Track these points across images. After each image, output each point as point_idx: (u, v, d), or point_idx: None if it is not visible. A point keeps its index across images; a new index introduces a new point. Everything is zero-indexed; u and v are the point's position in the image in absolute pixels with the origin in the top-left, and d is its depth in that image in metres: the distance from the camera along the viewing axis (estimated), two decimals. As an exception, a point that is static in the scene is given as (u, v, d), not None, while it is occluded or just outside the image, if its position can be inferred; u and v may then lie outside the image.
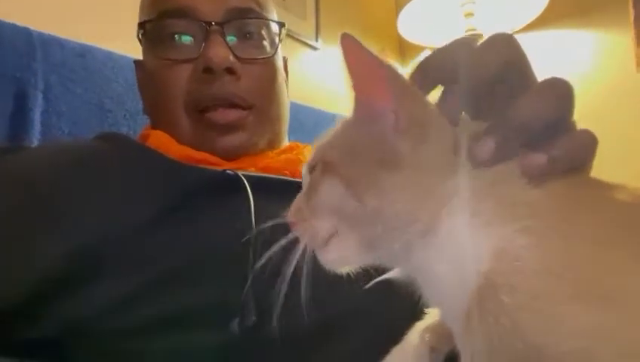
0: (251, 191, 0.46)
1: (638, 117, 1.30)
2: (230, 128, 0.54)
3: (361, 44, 0.26)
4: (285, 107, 0.60)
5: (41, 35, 0.67)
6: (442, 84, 0.27)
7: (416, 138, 0.25)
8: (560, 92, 0.26)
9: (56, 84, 0.65)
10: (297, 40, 1.38)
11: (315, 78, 1.38)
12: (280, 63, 0.60)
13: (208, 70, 0.52)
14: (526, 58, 0.28)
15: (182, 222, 0.44)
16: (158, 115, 0.57)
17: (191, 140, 0.54)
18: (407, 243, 0.25)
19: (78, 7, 0.84)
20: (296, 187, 0.49)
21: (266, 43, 0.57)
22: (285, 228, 0.43)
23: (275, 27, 0.59)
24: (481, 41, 0.28)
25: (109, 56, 0.72)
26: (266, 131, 0.57)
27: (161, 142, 0.54)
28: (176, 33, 0.54)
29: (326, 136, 0.29)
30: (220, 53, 0.52)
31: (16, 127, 0.61)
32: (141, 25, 0.56)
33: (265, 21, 0.58)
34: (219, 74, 0.52)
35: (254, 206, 0.45)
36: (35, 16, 0.72)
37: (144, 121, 0.72)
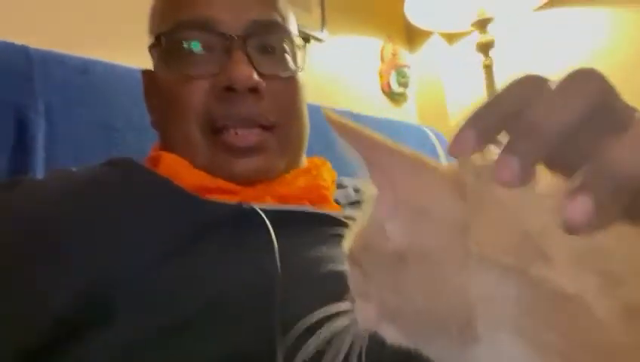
0: (272, 222, 0.43)
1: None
2: (250, 151, 0.50)
3: (346, 123, 0.22)
4: (307, 125, 0.56)
5: (38, 52, 0.63)
6: (508, 132, 0.22)
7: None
8: None
9: (57, 105, 0.61)
10: (303, 32, 1.33)
11: (322, 71, 1.33)
12: (303, 79, 0.56)
13: (230, 89, 0.48)
14: (616, 93, 0.23)
15: (196, 261, 0.41)
16: (170, 132, 0.53)
17: (205, 162, 0.50)
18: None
19: (76, 20, 0.80)
20: (317, 219, 0.46)
21: (288, 57, 0.53)
22: (311, 275, 0.40)
23: (298, 40, 0.55)
24: (556, 79, 0.23)
25: (112, 70, 0.68)
26: (287, 153, 0.53)
27: (174, 168, 0.50)
28: (194, 46, 0.50)
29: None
30: (245, 71, 0.48)
31: (19, 157, 0.57)
32: (157, 37, 0.52)
33: (288, 35, 0.54)
34: (241, 93, 0.48)
35: (277, 236, 0.42)
36: (30, 33, 0.67)
37: (154, 136, 0.68)
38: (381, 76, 1.55)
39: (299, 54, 0.55)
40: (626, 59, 1.34)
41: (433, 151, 1.21)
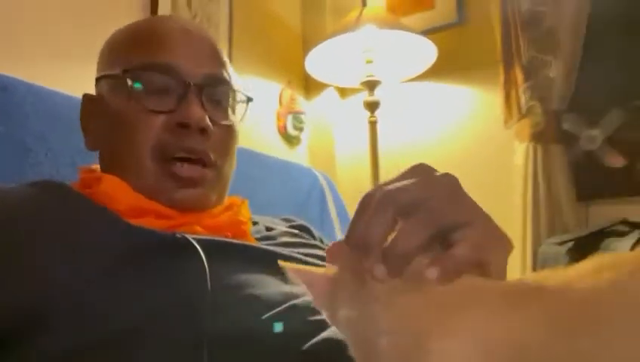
0: (202, 248, 0.50)
1: (502, 167, 1.53)
2: (192, 183, 0.57)
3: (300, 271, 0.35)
4: (234, 167, 0.65)
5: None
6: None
7: None
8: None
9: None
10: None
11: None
12: (237, 128, 0.65)
13: (184, 125, 0.56)
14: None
15: (126, 282, 0.46)
16: (117, 155, 0.58)
17: (149, 185, 0.56)
18: None
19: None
20: (241, 249, 0.54)
21: (229, 110, 0.63)
22: (237, 296, 0.47)
23: (239, 96, 0.65)
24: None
25: (32, 91, 0.69)
26: (219, 189, 0.61)
27: (114, 189, 0.55)
28: (156, 86, 0.57)
29: None
30: (198, 113, 0.56)
31: None
32: (123, 71, 0.57)
33: (232, 91, 0.63)
34: (193, 131, 0.56)
35: (207, 261, 0.48)
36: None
37: (67, 159, 0.70)
38: (278, 118, 1.67)
39: (239, 107, 0.65)
40: (481, 134, 1.62)
41: (321, 191, 1.33)
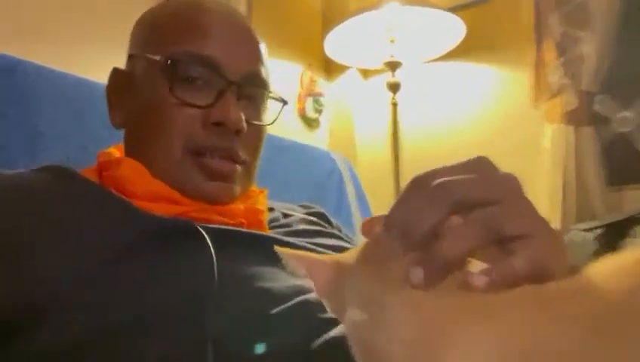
0: (210, 236, 0.48)
1: (530, 150, 1.47)
2: (221, 176, 0.56)
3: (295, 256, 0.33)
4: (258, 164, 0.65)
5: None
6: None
7: None
8: None
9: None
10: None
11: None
12: (267, 127, 0.64)
13: (220, 124, 0.55)
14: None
15: (129, 273, 0.45)
16: (144, 141, 0.57)
17: (175, 175, 0.55)
18: None
19: (7, 18, 0.78)
20: (253, 239, 0.52)
21: (262, 109, 0.62)
22: (245, 289, 0.46)
23: (275, 96, 0.64)
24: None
25: (42, 73, 0.68)
26: (246, 185, 0.61)
27: (132, 173, 0.55)
28: (197, 78, 0.56)
29: None
30: (237, 114, 0.55)
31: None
32: (166, 58, 0.56)
33: (268, 91, 0.62)
34: (229, 131, 0.55)
35: (215, 250, 0.47)
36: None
37: (79, 144, 0.69)
38: (298, 101, 1.64)
39: (270, 108, 0.64)
40: (508, 114, 1.56)
41: (339, 174, 1.31)
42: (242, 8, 1.45)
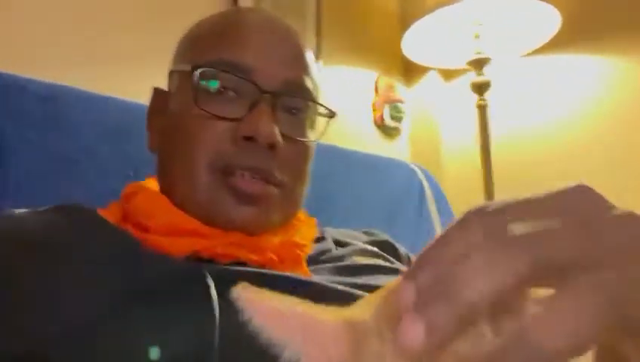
0: (219, 284, 0.41)
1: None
2: (254, 199, 0.49)
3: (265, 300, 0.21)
4: (307, 187, 0.56)
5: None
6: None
7: None
8: None
9: (11, 131, 0.58)
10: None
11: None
12: (314, 145, 0.56)
13: (251, 139, 0.48)
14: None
15: (138, 318, 0.40)
16: (170, 163, 0.53)
17: (202, 201, 0.49)
18: None
19: (45, 44, 0.78)
20: (271, 282, 0.44)
21: (307, 123, 0.54)
22: (252, 346, 0.38)
23: (322, 109, 0.56)
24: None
25: (80, 98, 0.66)
26: (285, 212, 0.53)
27: (149, 204, 0.50)
28: (227, 88, 0.50)
29: None
30: (269, 127, 0.48)
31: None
32: (193, 67, 0.51)
33: (313, 102, 0.55)
34: (260, 146, 0.49)
35: (220, 304, 0.40)
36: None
37: (117, 173, 0.65)
38: (375, 109, 1.54)
39: (319, 122, 0.56)
40: (619, 108, 1.33)
41: (419, 187, 1.18)
42: (310, 16, 1.38)
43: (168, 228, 0.48)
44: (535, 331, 0.15)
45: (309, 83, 0.54)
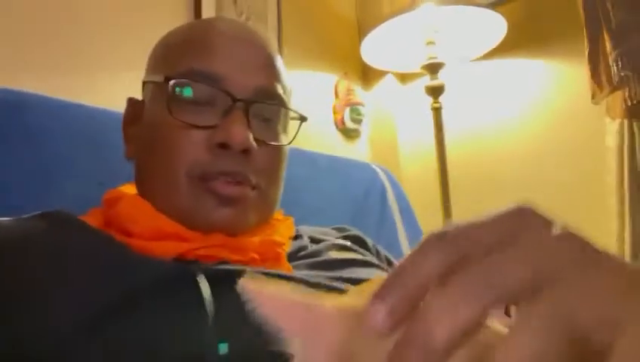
0: (210, 283, 0.43)
1: (592, 149, 1.34)
2: (232, 201, 0.51)
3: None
4: (281, 189, 0.58)
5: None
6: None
7: None
8: None
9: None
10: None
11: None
12: (287, 149, 0.58)
13: (225, 146, 0.50)
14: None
15: (130, 323, 0.41)
16: (149, 171, 0.54)
17: (183, 206, 0.51)
18: None
19: (14, 51, 0.78)
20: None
21: (280, 128, 0.56)
22: (250, 344, 0.40)
23: (292, 113, 0.58)
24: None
25: (49, 105, 0.66)
26: (262, 213, 0.55)
27: (133, 209, 0.51)
28: (199, 97, 0.52)
29: None
30: (242, 133, 0.50)
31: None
32: (165, 78, 0.53)
33: (285, 108, 0.57)
34: (234, 152, 0.50)
35: (213, 302, 0.42)
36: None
37: (91, 182, 0.66)
38: (335, 112, 1.58)
39: (291, 126, 0.58)
40: (565, 110, 1.43)
41: (381, 187, 1.23)
42: (272, 22, 1.41)
43: (152, 232, 0.49)
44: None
45: (279, 89, 0.56)
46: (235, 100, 0.51)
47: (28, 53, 0.81)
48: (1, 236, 0.47)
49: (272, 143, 0.55)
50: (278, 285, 0.23)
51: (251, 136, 0.51)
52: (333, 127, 1.58)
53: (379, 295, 0.19)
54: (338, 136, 1.59)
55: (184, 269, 0.44)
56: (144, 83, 0.58)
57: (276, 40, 1.40)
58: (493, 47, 1.45)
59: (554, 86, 1.47)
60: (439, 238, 0.19)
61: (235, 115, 0.51)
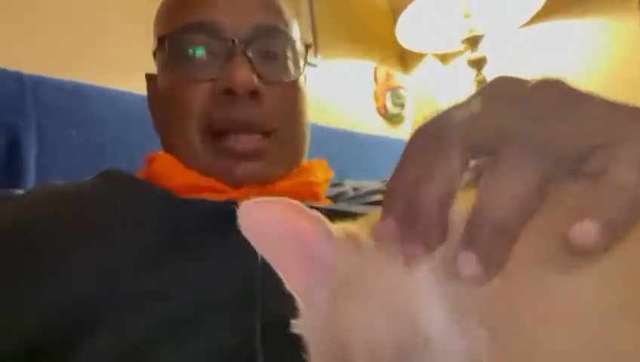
0: None
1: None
2: (249, 156, 0.50)
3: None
4: (306, 130, 0.56)
5: (31, 77, 0.65)
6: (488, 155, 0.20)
7: None
8: None
9: (49, 126, 0.62)
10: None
11: (317, 95, 1.35)
12: (304, 84, 0.56)
13: (230, 92, 0.48)
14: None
15: (180, 262, 0.41)
16: (169, 134, 0.54)
17: (205, 166, 0.50)
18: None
19: (70, 46, 0.83)
20: None
21: (290, 63, 0.54)
22: None
23: (299, 46, 0.55)
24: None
25: (103, 94, 0.70)
26: (286, 158, 0.53)
27: (166, 167, 0.51)
28: (196, 49, 0.50)
29: None
30: (244, 74, 0.48)
31: (11, 175, 0.58)
32: (160, 40, 0.52)
33: (291, 41, 0.54)
34: (241, 97, 0.48)
35: None
36: (24, 58, 0.70)
37: (142, 153, 0.69)
38: (376, 98, 1.57)
39: (301, 60, 0.55)
40: (619, 69, 1.35)
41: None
42: (304, 15, 1.43)
43: (189, 187, 0.49)
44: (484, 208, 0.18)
45: (279, 23, 0.52)
46: (232, 43, 0.49)
47: (83, 47, 0.85)
48: (59, 191, 0.49)
49: (284, 80, 0.52)
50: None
51: (256, 77, 0.49)
52: (377, 114, 1.57)
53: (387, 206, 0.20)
54: (382, 123, 1.58)
55: (230, 206, 0.45)
56: (153, 53, 0.57)
57: (310, 32, 1.42)
58: (534, 12, 1.40)
59: (604, 47, 1.39)
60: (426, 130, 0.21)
61: (236, 59, 0.49)
